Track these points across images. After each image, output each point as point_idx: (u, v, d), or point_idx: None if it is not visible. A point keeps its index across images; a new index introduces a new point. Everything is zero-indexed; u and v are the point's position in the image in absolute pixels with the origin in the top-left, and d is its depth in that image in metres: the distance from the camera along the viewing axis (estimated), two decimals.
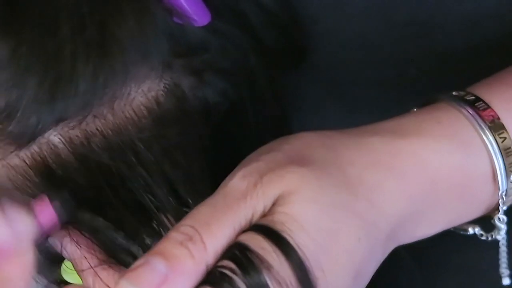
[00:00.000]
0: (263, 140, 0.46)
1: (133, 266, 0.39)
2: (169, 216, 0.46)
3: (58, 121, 0.45)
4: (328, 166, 0.42)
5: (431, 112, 0.47)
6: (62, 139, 0.46)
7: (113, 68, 0.45)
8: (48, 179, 0.46)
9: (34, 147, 0.46)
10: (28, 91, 0.44)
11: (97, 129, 0.46)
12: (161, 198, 0.46)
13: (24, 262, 0.42)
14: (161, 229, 0.45)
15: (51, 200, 0.43)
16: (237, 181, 0.42)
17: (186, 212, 0.43)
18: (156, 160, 0.46)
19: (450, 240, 0.50)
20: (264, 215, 0.41)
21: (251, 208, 0.41)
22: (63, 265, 0.47)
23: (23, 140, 0.45)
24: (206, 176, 0.48)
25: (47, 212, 0.42)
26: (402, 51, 0.56)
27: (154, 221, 0.46)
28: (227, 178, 0.43)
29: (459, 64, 0.56)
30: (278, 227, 0.40)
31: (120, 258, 0.46)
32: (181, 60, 0.49)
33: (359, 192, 0.42)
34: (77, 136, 0.46)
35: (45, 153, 0.46)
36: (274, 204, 0.41)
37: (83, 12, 0.45)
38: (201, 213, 0.41)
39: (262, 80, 0.55)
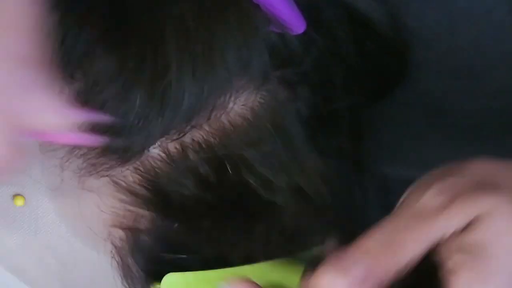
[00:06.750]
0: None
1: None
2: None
3: (163, 134, 0.44)
4: None
5: None
6: (161, 152, 0.45)
7: (216, 79, 0.44)
8: (152, 193, 0.45)
9: (137, 162, 0.44)
10: (136, 106, 0.42)
11: (193, 139, 0.45)
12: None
13: None
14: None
15: None
16: (429, 199, 0.40)
17: None
18: (254, 172, 0.45)
19: None
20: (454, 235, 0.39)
21: (445, 226, 0.39)
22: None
23: (129, 155, 0.44)
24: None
25: None
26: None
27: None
28: (413, 193, 0.40)
29: None
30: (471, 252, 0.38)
31: None
32: (278, 72, 0.48)
33: None
34: (175, 147, 0.45)
35: (147, 167, 0.44)
36: (468, 226, 0.39)
37: (188, 25, 0.44)
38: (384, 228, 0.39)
39: (342, 96, 0.54)
